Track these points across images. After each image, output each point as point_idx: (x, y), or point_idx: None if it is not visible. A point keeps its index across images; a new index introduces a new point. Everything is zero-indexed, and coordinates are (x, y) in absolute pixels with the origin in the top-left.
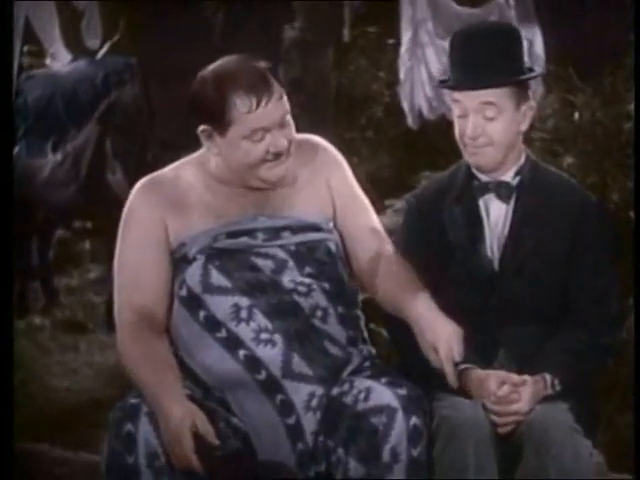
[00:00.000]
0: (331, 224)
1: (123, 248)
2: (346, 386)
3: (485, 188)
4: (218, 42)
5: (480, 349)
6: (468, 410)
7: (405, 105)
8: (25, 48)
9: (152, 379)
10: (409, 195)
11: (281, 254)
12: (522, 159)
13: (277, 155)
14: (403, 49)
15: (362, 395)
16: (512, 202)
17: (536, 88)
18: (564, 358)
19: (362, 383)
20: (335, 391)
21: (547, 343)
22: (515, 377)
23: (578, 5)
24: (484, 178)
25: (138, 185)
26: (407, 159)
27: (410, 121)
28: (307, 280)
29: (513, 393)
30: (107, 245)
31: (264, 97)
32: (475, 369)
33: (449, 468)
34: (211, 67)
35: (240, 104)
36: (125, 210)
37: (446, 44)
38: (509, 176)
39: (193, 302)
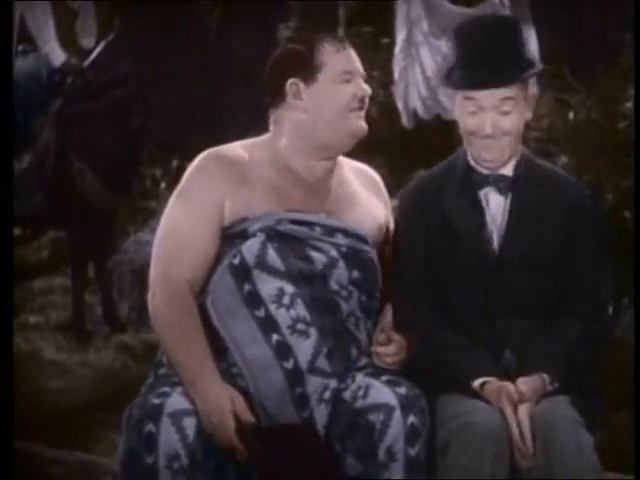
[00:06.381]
0: (374, 249)
1: (173, 219)
2: (348, 381)
3: (485, 181)
4: (213, 41)
5: (487, 346)
6: (487, 416)
7: (400, 105)
8: (20, 47)
9: (189, 361)
10: (402, 190)
11: (333, 252)
12: (519, 153)
13: (362, 101)
14: (397, 49)
15: (361, 392)
16: (510, 195)
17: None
18: (558, 348)
19: (363, 380)
20: (339, 385)
21: (542, 335)
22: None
23: (573, 4)
24: (484, 171)
25: (202, 157)
26: (402, 159)
27: (405, 121)
28: (350, 287)
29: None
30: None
31: (347, 44)
32: (491, 382)
33: (464, 473)
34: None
35: (329, 46)
36: (183, 180)
37: (441, 44)
38: (508, 169)
39: (242, 273)
